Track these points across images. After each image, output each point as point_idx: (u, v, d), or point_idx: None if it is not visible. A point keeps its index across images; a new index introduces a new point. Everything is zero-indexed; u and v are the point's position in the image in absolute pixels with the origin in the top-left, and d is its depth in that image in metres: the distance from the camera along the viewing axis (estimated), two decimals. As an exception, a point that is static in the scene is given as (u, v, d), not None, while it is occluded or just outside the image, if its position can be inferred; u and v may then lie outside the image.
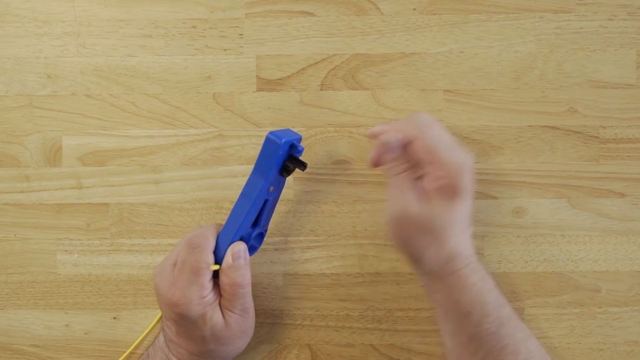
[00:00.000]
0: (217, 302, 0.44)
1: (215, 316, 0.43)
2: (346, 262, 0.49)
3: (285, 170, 0.44)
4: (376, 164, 0.45)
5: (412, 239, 0.42)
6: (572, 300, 0.49)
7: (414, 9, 0.50)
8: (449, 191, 0.42)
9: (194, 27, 0.50)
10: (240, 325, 0.44)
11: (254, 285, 0.50)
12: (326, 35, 0.50)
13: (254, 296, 0.49)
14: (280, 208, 0.50)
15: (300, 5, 0.50)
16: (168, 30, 0.50)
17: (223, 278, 0.43)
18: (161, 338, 0.46)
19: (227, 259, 0.43)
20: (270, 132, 0.43)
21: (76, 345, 0.50)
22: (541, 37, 0.49)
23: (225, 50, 0.50)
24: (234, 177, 0.50)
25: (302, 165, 0.44)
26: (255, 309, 0.49)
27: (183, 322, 0.43)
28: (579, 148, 0.49)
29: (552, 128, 0.49)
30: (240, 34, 0.50)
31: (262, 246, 0.49)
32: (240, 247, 0.44)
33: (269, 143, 0.43)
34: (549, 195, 0.49)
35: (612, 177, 0.49)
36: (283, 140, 0.43)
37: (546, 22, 0.49)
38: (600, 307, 0.49)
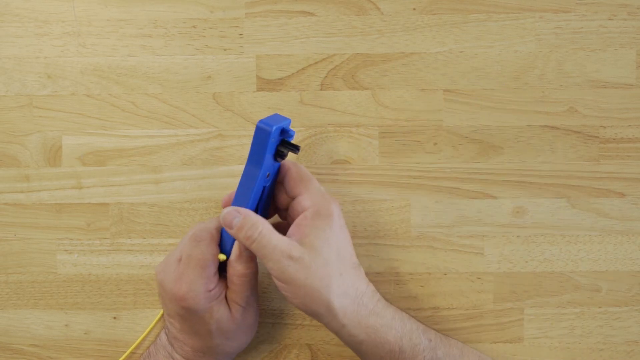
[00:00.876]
0: (223, 295, 0.44)
1: (222, 309, 0.43)
2: (346, 262, 0.49)
3: (279, 155, 0.44)
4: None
5: (309, 292, 0.40)
6: (572, 300, 0.49)
7: (414, 9, 0.50)
8: (323, 216, 0.41)
9: (193, 27, 0.50)
10: (245, 318, 0.44)
11: (254, 285, 0.50)
12: (326, 35, 0.50)
13: (254, 296, 0.49)
14: (280, 208, 0.50)
15: (300, 5, 0.50)
16: (168, 30, 0.50)
17: (230, 269, 0.43)
18: (163, 336, 0.46)
19: (234, 250, 0.43)
20: (260, 121, 0.42)
21: (76, 345, 0.50)
22: (541, 37, 0.49)
23: (225, 50, 0.50)
24: (234, 177, 0.50)
25: (296, 149, 0.43)
26: (255, 309, 0.50)
27: (189, 316, 0.43)
28: (579, 148, 0.49)
29: (552, 128, 0.49)
30: (240, 34, 0.50)
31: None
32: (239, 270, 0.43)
33: (260, 132, 0.42)
34: (549, 195, 0.49)
35: (612, 177, 0.49)
36: (274, 128, 0.42)
37: (546, 22, 0.49)
38: (600, 307, 0.49)
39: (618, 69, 0.49)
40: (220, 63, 0.50)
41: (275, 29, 0.50)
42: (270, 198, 0.46)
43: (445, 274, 0.49)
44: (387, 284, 0.49)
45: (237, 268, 0.43)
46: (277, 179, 0.45)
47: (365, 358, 0.43)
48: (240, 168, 0.50)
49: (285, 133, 0.43)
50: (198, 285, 0.42)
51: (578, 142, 0.49)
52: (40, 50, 0.50)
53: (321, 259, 0.40)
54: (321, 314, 0.41)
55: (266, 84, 0.50)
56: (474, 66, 0.49)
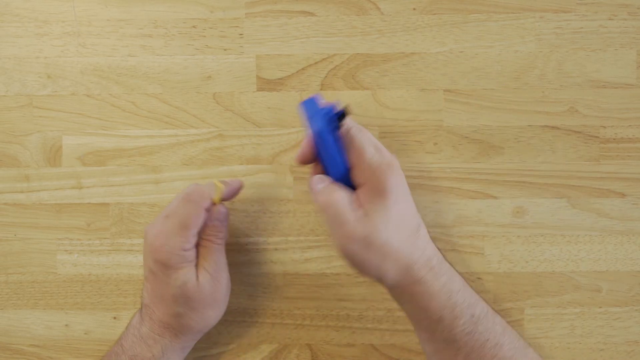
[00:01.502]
0: (194, 262, 0.44)
1: (190, 273, 0.43)
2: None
3: (334, 128, 0.43)
4: (304, 160, 0.44)
5: (366, 263, 0.41)
6: (573, 300, 0.49)
7: (414, 9, 0.50)
8: (378, 192, 0.41)
9: (194, 27, 0.50)
10: (211, 288, 0.44)
11: (254, 285, 0.50)
12: (326, 35, 0.50)
13: (254, 296, 0.49)
14: (280, 208, 0.50)
15: (300, 5, 0.50)
16: (168, 30, 0.50)
17: (201, 232, 0.44)
18: (136, 316, 0.46)
19: (209, 215, 0.45)
20: (304, 102, 0.43)
21: (76, 345, 0.50)
22: (541, 37, 0.49)
23: (225, 50, 0.50)
24: (234, 177, 0.50)
25: (341, 119, 0.42)
26: (256, 309, 0.49)
27: (159, 273, 0.43)
28: (579, 148, 0.49)
29: (552, 128, 0.49)
30: (240, 34, 0.50)
31: (262, 246, 0.49)
32: (221, 211, 0.45)
33: (302, 109, 0.43)
34: (549, 195, 0.49)
35: (612, 177, 0.49)
36: (304, 107, 0.43)
37: (546, 22, 0.49)
38: (600, 307, 0.49)
39: (618, 69, 0.49)
40: (221, 63, 0.50)
41: (275, 29, 0.50)
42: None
43: (446, 274, 0.49)
44: (387, 284, 0.49)
45: (209, 228, 0.44)
46: None
47: (408, 317, 0.44)
48: (240, 168, 0.50)
49: (329, 113, 0.42)
50: (175, 241, 0.43)
51: (578, 142, 0.49)
52: (40, 50, 0.50)
53: (382, 238, 0.41)
54: (373, 279, 0.42)
55: (266, 84, 0.50)
56: (474, 66, 0.49)
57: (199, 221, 0.43)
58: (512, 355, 0.41)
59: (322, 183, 0.43)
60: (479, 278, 0.49)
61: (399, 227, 0.41)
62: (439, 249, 0.44)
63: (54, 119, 0.50)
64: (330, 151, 0.42)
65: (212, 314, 0.45)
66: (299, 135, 0.50)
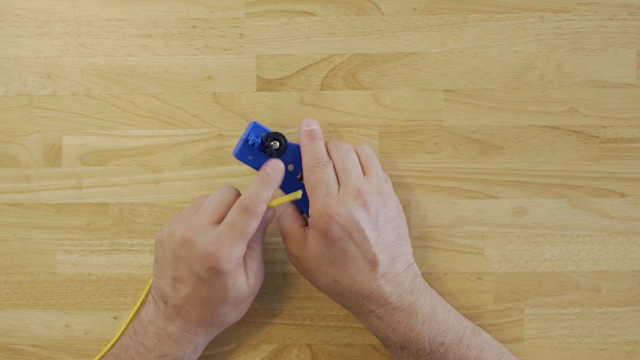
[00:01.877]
0: (243, 264, 0.43)
1: (243, 278, 0.43)
2: (346, 262, 0.49)
3: (269, 152, 0.45)
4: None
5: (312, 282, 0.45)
6: (573, 300, 0.49)
7: (414, 9, 0.50)
8: (319, 231, 0.43)
9: (194, 27, 0.50)
10: (254, 284, 0.44)
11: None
12: (326, 35, 0.50)
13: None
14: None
15: (300, 5, 0.50)
16: (168, 30, 0.50)
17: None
18: (149, 311, 0.44)
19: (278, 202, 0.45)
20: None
21: (76, 345, 0.50)
22: (541, 36, 0.49)
23: (225, 50, 0.50)
24: (234, 177, 0.50)
25: (263, 144, 0.45)
26: (256, 309, 0.50)
27: (211, 281, 0.42)
28: (579, 148, 0.49)
29: (552, 128, 0.49)
30: (240, 34, 0.50)
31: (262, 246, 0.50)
32: (269, 214, 0.45)
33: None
34: (549, 195, 0.49)
35: (612, 177, 0.49)
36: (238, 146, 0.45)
37: (546, 22, 0.49)
38: (600, 307, 0.49)
39: (618, 69, 0.49)
40: (220, 63, 0.50)
41: (276, 29, 0.50)
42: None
43: (445, 274, 0.49)
44: (387, 284, 0.49)
45: (268, 215, 0.45)
46: None
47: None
48: (240, 168, 0.50)
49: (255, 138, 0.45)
50: (236, 250, 0.42)
51: (578, 142, 0.49)
52: (40, 50, 0.50)
53: (325, 272, 0.44)
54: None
55: (266, 84, 0.50)
56: (474, 66, 0.49)
57: (256, 228, 0.43)
58: None
59: (287, 209, 0.46)
60: (479, 278, 0.49)
61: (342, 268, 0.43)
62: (419, 274, 0.45)
63: (53, 119, 0.50)
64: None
65: (246, 309, 0.46)
66: (298, 135, 0.50)
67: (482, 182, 0.49)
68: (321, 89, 0.50)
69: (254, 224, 0.42)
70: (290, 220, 0.45)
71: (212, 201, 0.44)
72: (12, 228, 0.50)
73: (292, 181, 0.46)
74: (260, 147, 0.45)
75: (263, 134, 0.45)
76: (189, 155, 0.50)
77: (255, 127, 0.45)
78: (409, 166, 0.50)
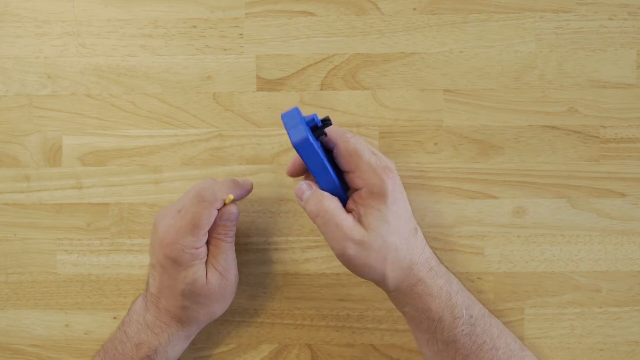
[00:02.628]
0: (204, 260, 0.44)
1: (199, 272, 0.43)
2: (346, 262, 0.49)
3: (318, 136, 0.42)
4: (294, 172, 0.45)
5: (365, 267, 0.41)
6: (573, 300, 0.49)
7: (414, 9, 0.50)
8: (377, 194, 0.41)
9: (194, 26, 0.50)
10: (219, 286, 0.44)
11: (254, 285, 0.50)
12: (326, 35, 0.50)
13: (254, 296, 0.49)
14: (280, 208, 0.50)
15: (300, 5, 0.50)
16: (168, 30, 0.50)
17: (212, 231, 0.45)
18: (139, 301, 0.46)
19: (219, 214, 0.44)
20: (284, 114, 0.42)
21: (76, 345, 0.50)
22: (541, 36, 0.49)
23: (225, 50, 0.50)
24: (234, 177, 0.50)
25: (323, 128, 0.42)
26: (256, 309, 0.50)
27: (169, 267, 0.43)
28: (579, 148, 0.49)
29: (552, 128, 0.49)
30: (240, 34, 0.50)
31: (262, 246, 0.49)
32: (232, 211, 0.45)
33: (284, 120, 0.42)
34: (549, 195, 0.49)
35: (612, 177, 0.49)
36: (285, 118, 0.42)
37: (546, 22, 0.49)
38: (600, 307, 0.49)
39: (618, 69, 0.49)
40: (220, 63, 0.50)
41: (276, 29, 0.50)
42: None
43: (446, 274, 0.49)
44: (387, 284, 0.49)
45: (219, 228, 0.44)
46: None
47: (408, 320, 0.44)
48: (240, 168, 0.50)
49: (312, 122, 0.42)
50: (186, 240, 0.43)
51: (578, 142, 0.49)
52: (40, 50, 0.50)
53: (379, 240, 0.41)
54: (374, 282, 0.43)
55: (266, 84, 0.50)
56: (474, 66, 0.49)
57: (211, 220, 0.43)
58: (508, 358, 0.42)
59: (309, 190, 0.43)
60: (479, 278, 0.49)
61: (397, 228, 0.42)
62: (434, 253, 0.44)
63: (53, 119, 0.50)
64: (316, 161, 0.41)
65: (218, 308, 0.46)
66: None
67: (482, 182, 0.49)
68: (321, 89, 0.50)
69: (206, 214, 0.43)
70: (335, 212, 0.41)
71: (187, 191, 0.45)
72: (12, 228, 0.50)
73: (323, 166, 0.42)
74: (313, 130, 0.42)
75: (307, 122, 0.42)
76: (189, 155, 0.50)
77: (298, 112, 0.42)
78: (409, 166, 0.50)
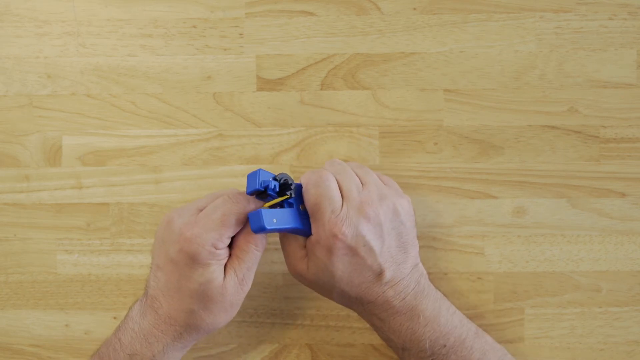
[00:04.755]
0: (224, 262, 0.42)
1: (216, 273, 0.41)
2: (346, 262, 0.49)
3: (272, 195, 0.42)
4: None
5: (316, 291, 0.45)
6: (573, 300, 0.49)
7: (414, 9, 0.50)
8: (321, 245, 0.42)
9: (194, 26, 0.50)
10: (234, 293, 0.42)
11: (254, 285, 0.49)
12: (326, 35, 0.50)
13: (254, 296, 0.49)
14: (280, 208, 0.50)
15: (300, 4, 0.50)
16: (168, 30, 0.50)
17: (243, 233, 0.43)
18: (135, 306, 0.44)
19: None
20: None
21: (76, 345, 0.50)
22: (541, 36, 0.49)
23: (225, 50, 0.50)
24: (234, 177, 0.50)
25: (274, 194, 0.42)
26: (255, 309, 0.50)
27: (183, 265, 0.41)
28: (579, 148, 0.49)
29: (552, 128, 0.49)
30: (241, 34, 0.50)
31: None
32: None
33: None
34: (549, 195, 0.49)
35: (612, 177, 0.49)
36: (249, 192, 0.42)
37: (546, 22, 0.49)
38: (600, 307, 0.49)
39: (618, 69, 0.49)
40: (220, 63, 0.50)
41: (276, 29, 0.50)
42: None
43: (446, 274, 0.49)
44: (388, 284, 0.49)
45: (249, 235, 0.43)
46: None
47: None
48: (240, 168, 0.50)
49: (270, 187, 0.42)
50: (209, 236, 0.41)
51: (578, 142, 0.49)
52: (40, 50, 0.50)
53: (327, 283, 0.43)
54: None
55: (266, 84, 0.50)
56: (475, 66, 0.49)
57: (239, 223, 0.42)
58: None
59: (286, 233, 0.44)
60: (479, 278, 0.49)
61: (348, 280, 0.42)
62: (426, 275, 0.44)
63: (54, 119, 0.50)
64: (281, 229, 0.42)
65: (223, 319, 0.43)
66: (298, 135, 0.50)
67: (482, 182, 0.49)
68: (321, 89, 0.50)
69: (234, 212, 0.41)
70: (291, 238, 0.44)
71: (210, 194, 0.44)
72: (12, 228, 0.50)
73: (302, 216, 0.43)
74: (273, 192, 0.42)
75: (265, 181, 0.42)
76: (189, 155, 0.50)
77: (254, 177, 0.42)
78: (409, 166, 0.50)
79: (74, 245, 0.50)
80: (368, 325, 0.49)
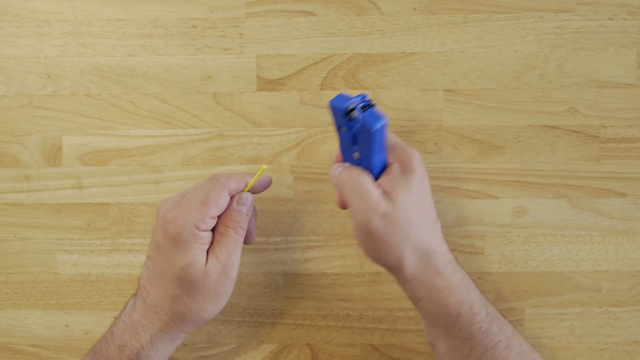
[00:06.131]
0: (206, 246, 0.42)
1: (198, 257, 0.41)
2: (346, 262, 0.49)
3: (350, 118, 0.41)
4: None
5: (385, 247, 0.40)
6: (573, 300, 0.49)
7: (414, 9, 0.50)
8: (406, 171, 0.41)
9: (194, 26, 0.50)
10: (217, 279, 0.41)
11: (254, 285, 0.50)
12: (326, 35, 0.50)
13: (254, 296, 0.49)
14: (280, 208, 0.50)
15: (300, 4, 0.50)
16: (168, 30, 0.50)
17: (222, 218, 0.43)
18: (131, 300, 0.44)
19: (232, 202, 0.43)
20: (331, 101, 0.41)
21: (76, 345, 0.50)
22: (541, 36, 0.49)
23: (225, 50, 0.50)
24: (234, 177, 0.50)
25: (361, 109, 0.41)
26: (256, 309, 0.50)
27: (166, 249, 0.41)
28: (579, 148, 0.49)
29: (552, 128, 0.49)
30: (241, 34, 0.50)
31: (262, 246, 0.49)
32: (247, 197, 0.43)
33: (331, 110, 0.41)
34: (549, 195, 0.49)
35: (612, 176, 0.49)
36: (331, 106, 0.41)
37: (546, 22, 0.49)
38: (600, 307, 0.49)
39: (618, 69, 0.49)
40: (221, 63, 0.50)
41: (276, 29, 0.50)
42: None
43: (446, 274, 0.49)
44: (388, 284, 0.49)
45: (229, 217, 0.42)
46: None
47: (423, 314, 0.42)
48: (240, 168, 0.50)
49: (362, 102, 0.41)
50: (190, 216, 0.41)
51: (578, 142, 0.49)
52: (40, 50, 0.50)
53: (405, 216, 0.40)
54: (390, 268, 0.41)
55: (266, 84, 0.50)
56: (475, 66, 0.49)
57: (220, 203, 0.42)
58: (521, 359, 0.41)
59: (343, 166, 0.43)
60: (479, 278, 0.49)
61: (422, 211, 0.41)
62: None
63: (54, 118, 0.50)
64: (375, 145, 0.41)
65: (209, 308, 0.42)
66: (298, 135, 0.50)
67: (482, 182, 0.49)
68: (321, 89, 0.50)
69: (216, 193, 0.41)
70: (363, 177, 0.41)
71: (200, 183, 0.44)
72: (12, 228, 0.50)
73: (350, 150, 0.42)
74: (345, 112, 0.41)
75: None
76: (189, 155, 0.50)
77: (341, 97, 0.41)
78: (409, 166, 0.50)
79: (74, 245, 0.50)
80: (368, 325, 0.49)
